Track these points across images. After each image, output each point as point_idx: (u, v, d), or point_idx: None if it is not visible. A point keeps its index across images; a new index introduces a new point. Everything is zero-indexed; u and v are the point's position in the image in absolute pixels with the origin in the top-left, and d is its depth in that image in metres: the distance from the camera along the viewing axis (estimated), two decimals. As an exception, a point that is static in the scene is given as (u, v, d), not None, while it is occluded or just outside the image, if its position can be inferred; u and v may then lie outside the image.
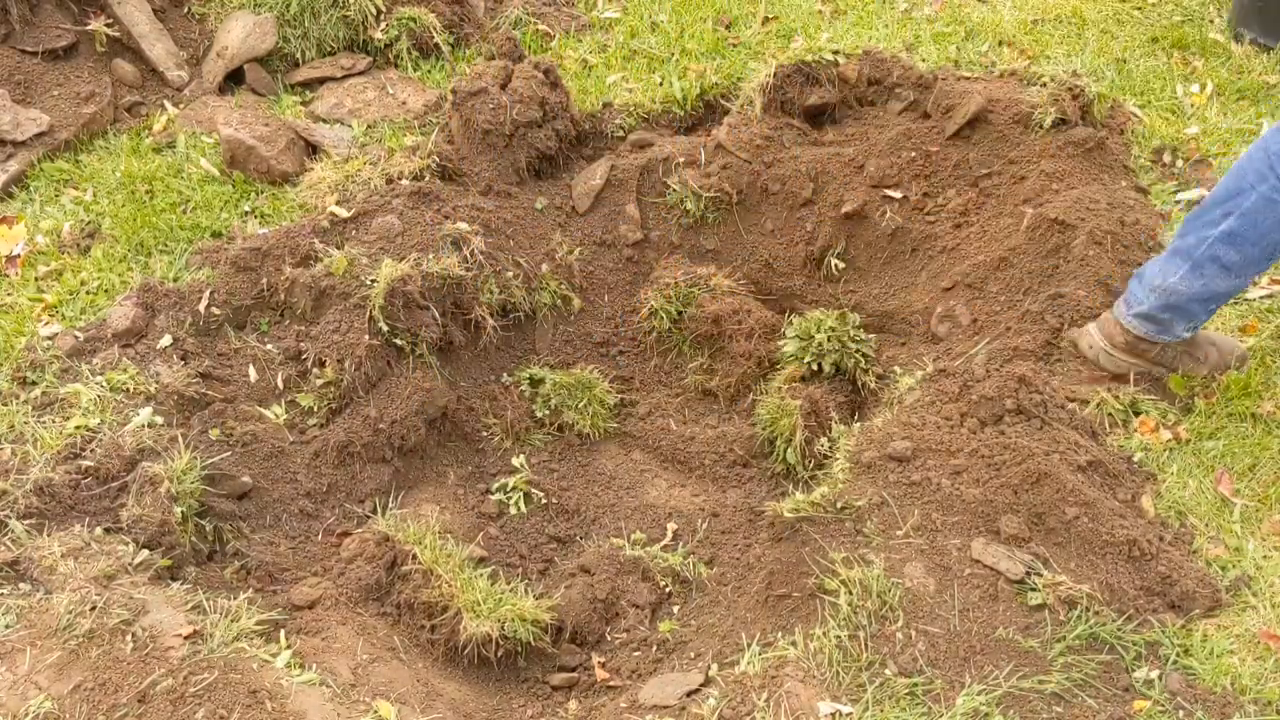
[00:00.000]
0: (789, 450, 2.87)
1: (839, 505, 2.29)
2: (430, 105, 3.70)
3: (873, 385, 2.96)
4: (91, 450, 2.46)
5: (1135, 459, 2.47)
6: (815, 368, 2.98)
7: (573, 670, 2.44)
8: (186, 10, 3.91)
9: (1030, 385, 2.47)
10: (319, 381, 2.78)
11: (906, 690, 1.92)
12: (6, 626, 2.01)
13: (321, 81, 3.84)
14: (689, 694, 2.11)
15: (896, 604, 2.04)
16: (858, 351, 3.00)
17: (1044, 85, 3.38)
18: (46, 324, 2.84)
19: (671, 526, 2.80)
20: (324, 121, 3.66)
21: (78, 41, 3.69)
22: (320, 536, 2.65)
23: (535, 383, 3.07)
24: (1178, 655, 2.02)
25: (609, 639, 2.49)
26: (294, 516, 2.66)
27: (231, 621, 2.10)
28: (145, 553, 2.26)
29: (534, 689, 2.42)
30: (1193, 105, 3.54)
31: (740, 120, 3.41)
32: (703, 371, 3.21)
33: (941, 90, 3.35)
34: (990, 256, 3.04)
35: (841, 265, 3.31)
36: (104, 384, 2.63)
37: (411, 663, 2.29)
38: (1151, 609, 2.09)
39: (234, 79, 3.80)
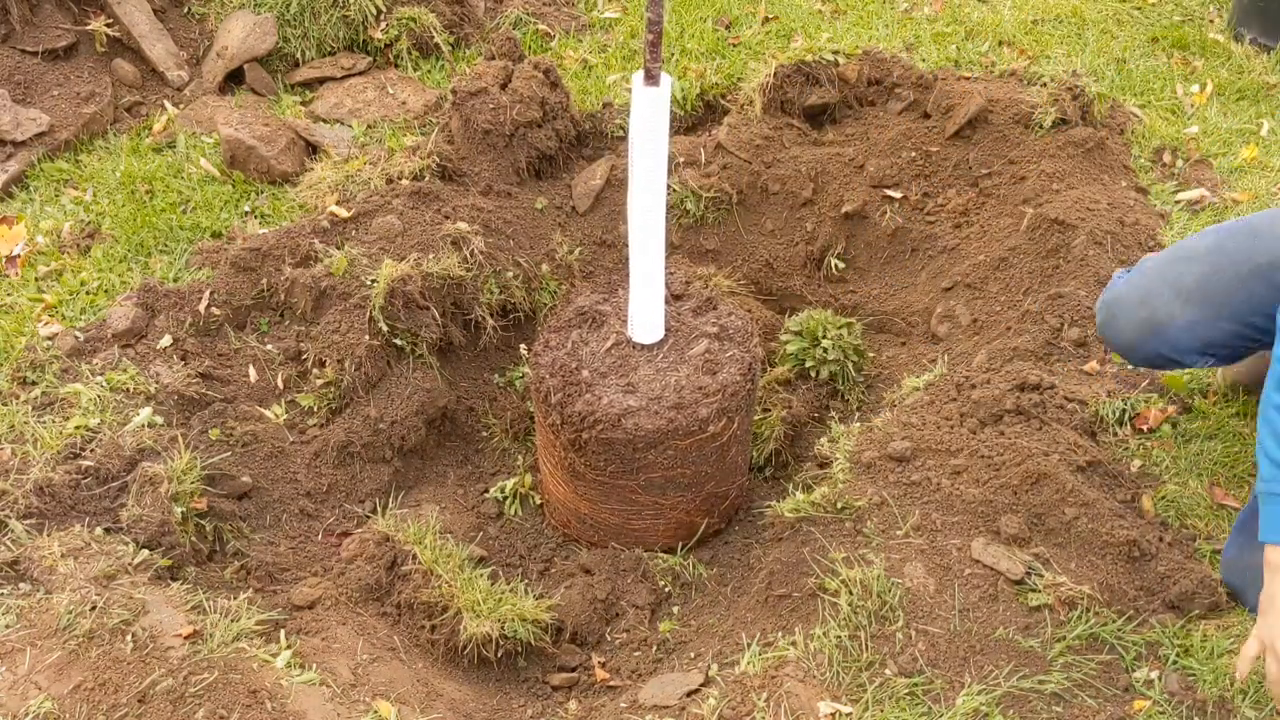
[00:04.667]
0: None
1: (839, 505, 2.29)
2: (430, 105, 3.70)
3: (855, 404, 2.96)
4: (91, 450, 2.46)
5: (1135, 459, 2.47)
6: (811, 374, 2.98)
7: (573, 670, 2.44)
8: (186, 10, 3.91)
9: (1030, 385, 2.47)
10: (319, 381, 2.78)
11: (906, 690, 1.92)
12: (6, 626, 2.01)
13: (321, 81, 3.84)
14: (689, 694, 2.10)
15: (896, 604, 2.04)
16: (856, 367, 2.99)
17: (1044, 85, 3.38)
18: (46, 324, 2.84)
19: (671, 526, 2.80)
20: (324, 121, 3.66)
21: (78, 41, 3.69)
22: (320, 536, 2.65)
23: (535, 383, 3.07)
24: (1177, 655, 2.02)
25: (609, 639, 2.49)
26: (294, 516, 2.66)
27: (231, 621, 2.10)
28: (145, 553, 2.26)
29: (534, 689, 2.42)
30: (1193, 105, 3.54)
31: (740, 120, 3.41)
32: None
33: (941, 90, 3.35)
34: (990, 256, 3.04)
35: (841, 265, 3.31)
36: (104, 384, 2.63)
37: (411, 663, 2.29)
38: (1151, 609, 2.09)
39: (234, 79, 3.80)
